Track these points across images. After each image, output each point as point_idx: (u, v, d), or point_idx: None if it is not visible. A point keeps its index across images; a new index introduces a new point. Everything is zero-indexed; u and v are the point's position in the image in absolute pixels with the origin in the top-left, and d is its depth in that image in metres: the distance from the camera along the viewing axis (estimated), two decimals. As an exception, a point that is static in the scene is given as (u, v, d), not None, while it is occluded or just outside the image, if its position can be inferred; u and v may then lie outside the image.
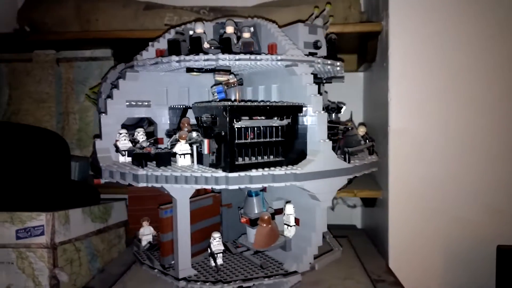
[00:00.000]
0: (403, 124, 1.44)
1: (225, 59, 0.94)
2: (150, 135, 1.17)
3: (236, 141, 0.87)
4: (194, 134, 0.91)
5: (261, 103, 0.93)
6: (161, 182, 0.90)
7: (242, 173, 0.87)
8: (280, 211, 1.09)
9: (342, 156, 0.99)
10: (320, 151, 0.93)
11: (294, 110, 0.95)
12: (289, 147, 0.95)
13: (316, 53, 1.12)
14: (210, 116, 0.88)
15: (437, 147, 1.43)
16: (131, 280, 1.22)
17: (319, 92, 1.21)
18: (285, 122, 0.93)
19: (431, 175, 1.43)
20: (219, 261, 1.06)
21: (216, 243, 1.05)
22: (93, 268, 1.35)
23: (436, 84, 1.42)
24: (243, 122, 0.87)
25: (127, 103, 1.11)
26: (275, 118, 0.93)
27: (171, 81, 1.17)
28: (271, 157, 0.94)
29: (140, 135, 1.07)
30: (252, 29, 1.12)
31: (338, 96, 1.51)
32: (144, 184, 0.91)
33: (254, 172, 0.88)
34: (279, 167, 0.93)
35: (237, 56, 0.95)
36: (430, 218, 1.45)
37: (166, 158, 0.93)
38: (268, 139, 0.92)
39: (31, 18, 1.85)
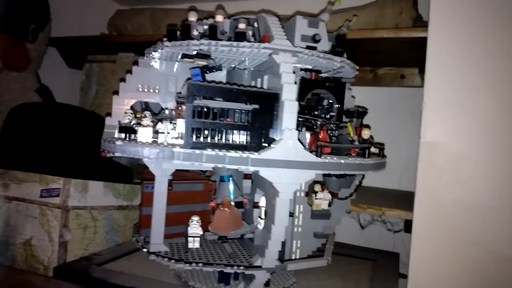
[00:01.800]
0: (436, 137, 1.28)
1: (208, 45, 0.98)
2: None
3: (195, 119, 0.89)
4: (167, 111, 0.96)
5: (227, 85, 0.93)
6: (129, 153, 0.96)
7: (198, 151, 0.88)
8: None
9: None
10: (283, 139, 0.90)
11: (263, 97, 0.93)
12: (256, 133, 0.93)
13: (315, 48, 1.09)
14: (181, 96, 0.93)
15: (476, 166, 1.23)
16: (139, 256, 1.31)
17: (320, 87, 1.18)
18: (250, 107, 0.92)
19: (467, 198, 1.23)
20: (196, 244, 1.08)
21: (193, 226, 1.07)
22: (112, 240, 1.47)
23: (477, 97, 1.24)
24: (204, 102, 0.89)
25: (139, 88, 1.21)
26: (245, 103, 0.93)
27: (181, 71, 1.24)
28: (237, 141, 0.94)
29: (146, 118, 1.16)
30: (254, 22, 1.15)
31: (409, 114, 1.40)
32: (119, 154, 0.99)
33: (208, 151, 0.88)
34: (240, 151, 0.91)
35: (219, 43, 0.98)
36: (462, 250, 1.24)
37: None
38: (230, 122, 0.92)
39: (117, 25, 2.15)
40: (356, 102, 1.93)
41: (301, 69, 1.15)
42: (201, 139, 0.91)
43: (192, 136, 0.89)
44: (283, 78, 0.94)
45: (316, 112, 1.28)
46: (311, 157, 0.92)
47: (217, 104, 0.90)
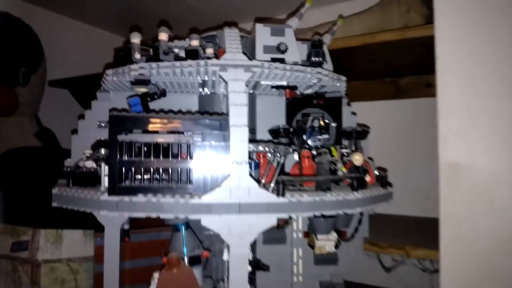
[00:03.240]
0: (459, 157, 1.02)
1: (147, 68, 0.83)
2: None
3: (121, 158, 0.73)
4: (102, 150, 0.81)
5: (161, 114, 0.77)
6: (70, 203, 0.82)
7: (126, 198, 0.72)
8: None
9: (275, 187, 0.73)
10: (230, 176, 0.71)
11: (207, 124, 0.76)
12: (201, 169, 0.75)
13: (282, 59, 0.90)
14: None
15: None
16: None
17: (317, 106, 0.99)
18: (190, 138, 0.75)
19: (503, 232, 0.96)
20: (160, 305, 0.90)
21: (155, 284, 0.89)
22: (99, 293, 1.33)
23: (505, 102, 0.97)
24: (133, 136, 0.73)
25: (98, 124, 1.09)
26: (185, 133, 0.76)
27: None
28: (181, 182, 0.76)
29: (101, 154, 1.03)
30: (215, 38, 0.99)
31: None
32: (55, 204, 0.85)
33: (139, 198, 0.72)
34: (180, 194, 0.74)
35: (160, 64, 0.83)
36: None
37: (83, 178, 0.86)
38: (168, 159, 0.75)
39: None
40: (376, 118, 1.68)
41: (272, 87, 0.96)
42: (131, 182, 0.74)
43: (120, 180, 0.73)
44: (231, 98, 0.76)
45: (306, 135, 1.08)
46: (270, 197, 0.72)
47: (148, 137, 0.73)
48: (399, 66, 1.62)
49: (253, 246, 1.07)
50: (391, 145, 1.69)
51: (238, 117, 0.74)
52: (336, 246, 1.13)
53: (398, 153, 1.69)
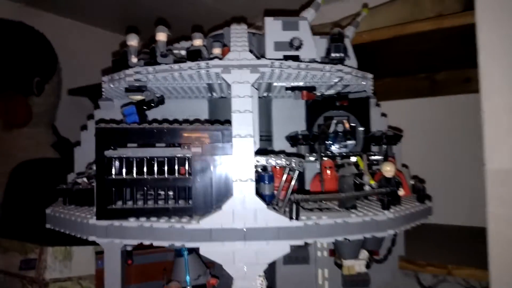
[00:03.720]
0: (509, 162, 0.87)
1: (142, 72, 0.74)
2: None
3: (109, 176, 0.64)
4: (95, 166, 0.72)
5: (155, 125, 0.67)
6: (62, 226, 0.74)
7: (117, 223, 0.63)
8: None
9: (287, 207, 0.61)
10: (233, 196, 0.60)
11: (207, 136, 0.65)
12: (201, 188, 0.65)
13: (296, 57, 0.78)
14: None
15: None
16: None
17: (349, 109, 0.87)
18: (188, 152, 0.65)
19: None
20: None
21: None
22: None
23: None
24: (122, 151, 0.64)
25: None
26: (182, 147, 0.66)
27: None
28: (180, 201, 0.66)
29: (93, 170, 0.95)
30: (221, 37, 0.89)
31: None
32: (49, 225, 0.78)
33: (129, 222, 0.62)
34: (178, 216, 0.64)
35: (156, 68, 0.73)
36: None
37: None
38: (162, 176, 0.65)
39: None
40: (409, 119, 1.52)
41: (286, 89, 0.85)
42: (123, 203, 0.64)
43: (109, 201, 0.63)
44: (234, 104, 0.65)
45: (328, 142, 0.96)
46: (281, 221, 0.60)
47: (139, 152, 0.64)
48: (434, 59, 1.46)
49: (272, 266, 0.95)
50: (427, 148, 1.53)
51: (242, 126, 0.63)
52: (367, 266, 1.00)
53: (436, 157, 1.52)
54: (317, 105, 1.00)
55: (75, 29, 1.99)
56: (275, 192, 0.78)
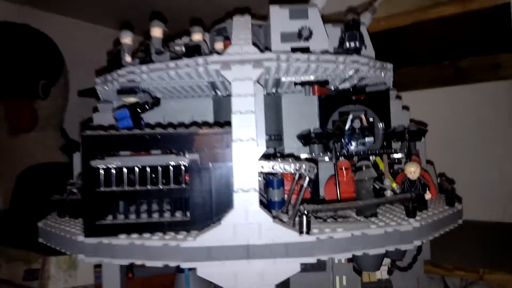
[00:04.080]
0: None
1: (135, 72, 0.67)
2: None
3: (97, 188, 0.57)
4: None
5: (147, 130, 0.60)
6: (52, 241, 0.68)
7: (106, 240, 0.56)
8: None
9: (292, 219, 0.54)
10: (234, 208, 0.53)
11: (205, 140, 0.58)
12: (200, 200, 0.58)
13: (306, 48, 0.70)
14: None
15: None
16: None
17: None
18: (185, 159, 0.57)
19: None
20: None
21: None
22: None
23: None
24: (110, 160, 0.57)
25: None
26: (177, 154, 0.59)
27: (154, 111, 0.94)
28: (177, 214, 0.59)
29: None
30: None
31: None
32: (41, 240, 0.72)
33: (119, 240, 0.56)
34: (175, 231, 0.57)
35: (150, 66, 0.66)
36: None
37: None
38: (156, 187, 0.58)
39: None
40: (433, 110, 1.43)
41: (295, 84, 0.76)
42: (113, 218, 0.58)
43: (98, 216, 0.57)
44: (235, 104, 0.57)
45: (344, 140, 0.87)
46: (290, 236, 0.52)
47: (130, 161, 0.57)
48: (459, 45, 1.35)
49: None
50: (453, 141, 1.42)
51: (243, 128, 0.55)
52: (390, 272, 0.92)
53: (463, 150, 1.41)
54: (331, 100, 0.92)
55: (81, 29, 1.94)
56: (286, 196, 0.70)
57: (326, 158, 0.85)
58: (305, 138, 0.87)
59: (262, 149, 0.71)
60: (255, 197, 0.53)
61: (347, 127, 0.88)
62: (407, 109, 0.95)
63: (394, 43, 1.19)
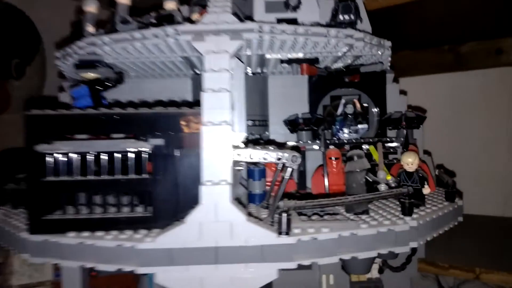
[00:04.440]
0: None
1: (97, 43, 0.58)
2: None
3: (43, 178, 0.49)
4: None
5: (102, 110, 0.51)
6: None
7: (53, 239, 0.48)
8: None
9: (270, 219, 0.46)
10: (201, 204, 0.45)
11: (170, 122, 0.49)
12: (164, 193, 0.49)
13: (293, 20, 0.61)
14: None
15: None
16: None
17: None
18: (146, 145, 0.49)
19: None
20: None
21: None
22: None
23: None
24: (59, 145, 0.48)
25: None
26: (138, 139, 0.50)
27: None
28: (137, 210, 0.51)
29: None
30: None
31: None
32: None
33: (67, 239, 0.47)
34: (134, 229, 0.49)
35: (108, 38, 0.57)
36: None
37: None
38: (112, 177, 0.50)
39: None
40: (432, 97, 1.35)
41: (282, 62, 0.68)
42: (63, 212, 0.50)
43: (45, 210, 0.49)
44: (206, 81, 0.49)
45: (335, 126, 0.79)
46: (266, 237, 0.45)
47: (82, 146, 0.48)
48: (459, 28, 1.27)
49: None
50: (452, 130, 1.35)
51: (215, 110, 0.47)
52: (381, 271, 0.85)
53: (463, 140, 1.34)
54: (322, 82, 0.84)
55: (62, 5, 1.82)
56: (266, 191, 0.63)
57: (315, 147, 0.77)
58: (292, 124, 0.79)
59: (241, 135, 0.63)
60: (226, 191, 0.45)
61: (338, 112, 0.80)
62: (405, 94, 0.87)
63: (392, 23, 1.11)
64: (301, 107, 0.84)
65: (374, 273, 0.86)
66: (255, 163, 0.71)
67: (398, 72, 0.90)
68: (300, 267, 0.83)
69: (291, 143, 0.80)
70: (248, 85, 0.77)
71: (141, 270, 0.45)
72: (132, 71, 0.77)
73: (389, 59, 0.74)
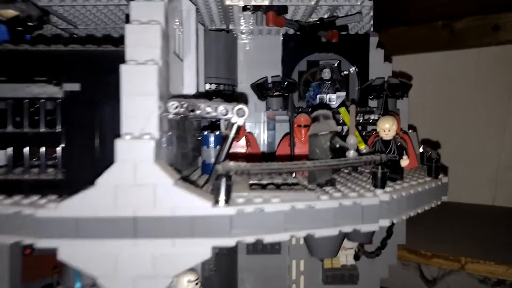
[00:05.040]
0: None
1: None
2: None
3: None
4: None
5: (9, 47, 0.41)
6: None
7: None
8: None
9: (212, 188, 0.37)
10: (116, 163, 0.35)
11: (91, 61, 0.40)
12: (78, 150, 0.40)
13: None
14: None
15: None
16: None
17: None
18: (58, 90, 0.39)
19: None
20: None
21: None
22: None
23: None
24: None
25: None
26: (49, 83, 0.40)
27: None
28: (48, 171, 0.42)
29: None
30: None
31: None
32: None
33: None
34: (42, 194, 0.39)
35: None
36: None
37: None
38: (17, 130, 0.40)
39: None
40: (425, 76, 1.26)
41: (244, 9, 0.58)
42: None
43: None
44: (132, 11, 0.39)
45: (311, 93, 0.70)
46: (199, 206, 0.35)
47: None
48: (454, 2, 1.18)
49: (233, 256, 0.72)
50: (445, 111, 1.26)
51: (141, 42, 0.37)
52: (356, 257, 0.77)
53: (455, 122, 1.25)
54: (297, 46, 0.74)
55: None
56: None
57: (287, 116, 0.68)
58: (261, 88, 0.70)
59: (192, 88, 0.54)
60: (150, 147, 0.35)
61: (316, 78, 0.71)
62: (390, 61, 0.78)
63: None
64: (275, 72, 0.75)
65: (349, 259, 0.78)
66: (210, 127, 0.63)
67: (388, 50, 0.81)
68: (268, 250, 0.76)
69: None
70: (210, 42, 0.68)
71: (40, 243, 0.35)
72: (80, 23, 0.67)
73: (371, 15, 0.65)
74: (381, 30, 0.77)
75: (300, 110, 0.66)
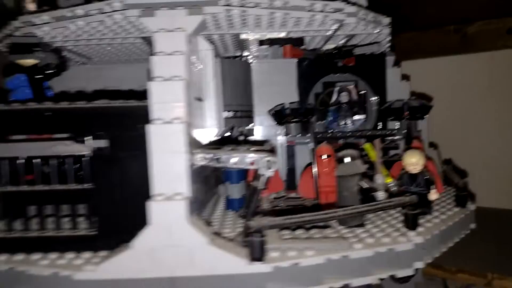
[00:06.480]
0: None
1: (35, 23, 0.48)
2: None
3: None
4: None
5: (29, 104, 0.41)
6: None
7: (-25, 264, 0.39)
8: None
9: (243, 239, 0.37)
10: (151, 226, 0.35)
11: (118, 119, 0.40)
12: (108, 206, 0.40)
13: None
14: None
15: None
16: None
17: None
18: (85, 148, 0.39)
19: None
20: None
21: None
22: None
23: None
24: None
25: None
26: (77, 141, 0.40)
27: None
28: (81, 226, 0.42)
29: None
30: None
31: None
32: None
33: (-8, 264, 0.38)
34: (76, 250, 0.40)
35: (47, 15, 0.47)
36: None
37: None
38: (47, 187, 0.40)
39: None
40: (437, 82, 1.24)
41: (260, 43, 0.58)
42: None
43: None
44: (155, 67, 0.39)
45: (327, 117, 0.70)
46: (234, 264, 0.35)
47: (9, 151, 0.39)
48: (467, 7, 1.16)
49: None
50: (461, 117, 1.25)
51: (165, 105, 0.37)
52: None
53: (471, 127, 1.23)
54: (313, 67, 0.74)
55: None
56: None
57: (306, 140, 0.67)
58: (279, 116, 0.69)
59: (211, 131, 0.54)
60: (183, 208, 0.35)
61: (332, 101, 0.70)
62: (408, 79, 0.77)
63: (393, 2, 1.00)
64: (291, 95, 0.74)
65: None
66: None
67: (399, 55, 0.80)
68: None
69: (281, 138, 0.71)
70: (225, 71, 0.67)
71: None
72: (96, 58, 0.67)
73: (388, 39, 0.64)
74: (393, 35, 0.76)
75: (320, 136, 0.65)
